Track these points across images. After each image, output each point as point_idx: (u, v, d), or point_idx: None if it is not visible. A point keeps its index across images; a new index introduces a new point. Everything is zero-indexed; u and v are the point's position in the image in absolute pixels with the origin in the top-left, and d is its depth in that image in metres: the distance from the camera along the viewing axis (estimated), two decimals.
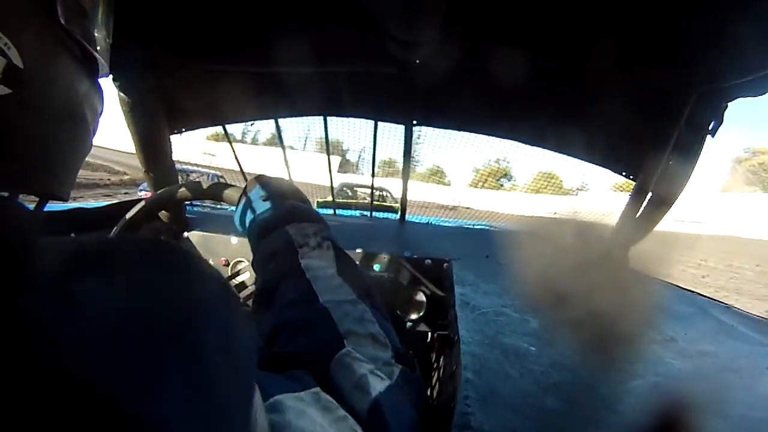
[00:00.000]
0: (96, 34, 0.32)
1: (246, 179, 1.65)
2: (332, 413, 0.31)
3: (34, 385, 0.14)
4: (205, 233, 1.22)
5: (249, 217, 0.60)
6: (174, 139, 1.20)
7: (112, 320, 0.17)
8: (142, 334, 0.18)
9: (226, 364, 0.21)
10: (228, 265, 1.19)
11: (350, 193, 5.95)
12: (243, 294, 1.05)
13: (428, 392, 0.80)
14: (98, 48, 0.32)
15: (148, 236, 0.24)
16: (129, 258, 0.21)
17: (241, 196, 0.64)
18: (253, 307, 0.52)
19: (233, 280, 1.00)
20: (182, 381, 0.18)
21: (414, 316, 1.13)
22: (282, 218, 0.55)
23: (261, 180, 0.64)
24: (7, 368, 0.14)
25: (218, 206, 1.49)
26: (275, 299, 0.48)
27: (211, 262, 1.19)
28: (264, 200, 0.60)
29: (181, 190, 0.76)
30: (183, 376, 0.18)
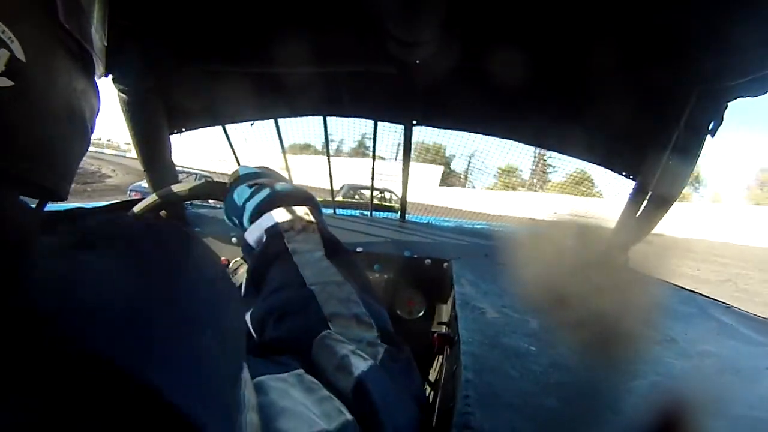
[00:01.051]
0: (93, 34, 0.32)
1: None
2: (315, 393, 0.31)
3: (38, 346, 0.15)
4: (205, 233, 1.22)
5: (235, 207, 0.59)
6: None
7: (115, 289, 0.19)
8: (143, 304, 0.19)
9: (217, 340, 0.22)
10: (228, 264, 1.19)
11: (356, 195, 5.93)
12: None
13: (425, 388, 0.80)
14: (95, 48, 0.33)
15: (151, 218, 0.27)
16: (133, 235, 0.23)
17: (226, 189, 0.63)
18: (243, 292, 0.51)
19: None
20: (176, 350, 0.19)
21: (414, 316, 1.13)
22: (267, 203, 0.55)
23: (242, 170, 0.63)
24: (11, 327, 0.15)
25: (218, 206, 1.49)
26: (263, 286, 0.47)
27: None
28: (248, 187, 0.59)
29: (164, 194, 0.73)
30: (177, 345, 0.19)
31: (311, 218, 0.53)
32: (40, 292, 0.17)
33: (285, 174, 1.53)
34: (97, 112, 0.35)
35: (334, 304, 0.42)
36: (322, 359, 0.36)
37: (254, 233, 0.53)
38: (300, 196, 0.57)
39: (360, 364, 0.36)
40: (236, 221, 0.60)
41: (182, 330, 0.20)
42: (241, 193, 0.59)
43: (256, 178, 0.61)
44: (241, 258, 1.19)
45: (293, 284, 0.45)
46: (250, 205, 0.56)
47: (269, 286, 0.47)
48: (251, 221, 0.55)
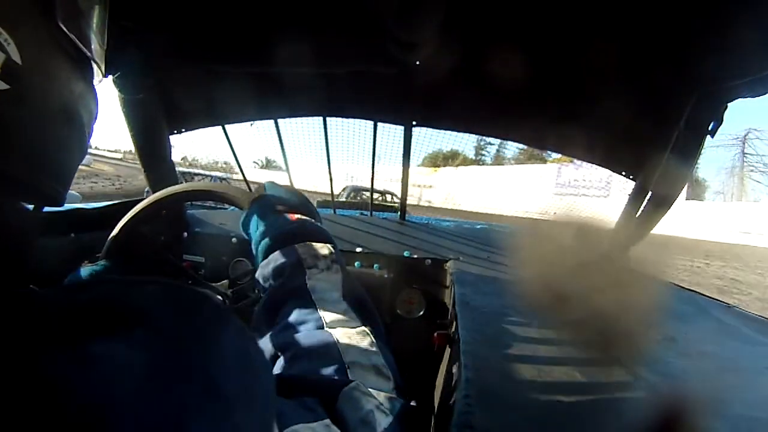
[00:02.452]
0: (92, 39, 0.32)
1: (248, 184, 1.64)
2: None
3: None
4: (204, 233, 1.22)
5: (256, 226, 0.59)
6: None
7: (134, 381, 0.17)
8: (165, 395, 0.18)
9: (249, 414, 0.21)
10: (228, 265, 1.19)
11: (356, 197, 5.92)
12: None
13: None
14: (94, 52, 0.32)
15: (165, 282, 0.24)
16: (147, 313, 0.21)
17: (250, 202, 0.63)
18: (254, 319, 0.51)
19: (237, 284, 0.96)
20: None
21: (414, 316, 1.13)
22: (292, 235, 0.55)
23: (271, 189, 0.63)
24: None
25: (218, 206, 1.49)
26: (278, 317, 0.48)
27: (210, 262, 1.19)
28: (273, 212, 0.59)
29: (186, 189, 0.74)
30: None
31: (335, 258, 0.54)
32: (42, 404, 0.15)
33: (287, 177, 1.53)
34: (96, 116, 0.34)
35: (354, 352, 0.43)
36: (347, 410, 0.36)
37: (275, 262, 0.53)
38: (323, 234, 0.57)
39: (382, 421, 0.37)
40: (253, 238, 0.59)
41: (214, 418, 0.19)
42: (265, 214, 0.59)
43: (283, 201, 0.61)
44: (241, 258, 1.19)
45: (310, 323, 0.45)
46: (274, 232, 0.56)
47: (285, 320, 0.47)
48: (272, 248, 0.54)
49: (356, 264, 1.15)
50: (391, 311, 1.14)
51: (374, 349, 0.44)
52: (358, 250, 1.17)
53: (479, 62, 0.98)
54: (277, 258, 0.53)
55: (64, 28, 0.28)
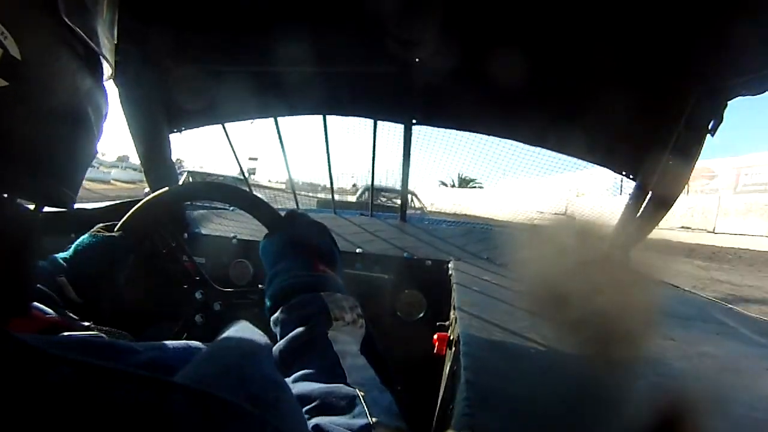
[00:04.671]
0: (100, 33, 0.31)
1: (247, 181, 1.63)
2: None
3: None
4: (205, 233, 1.22)
5: (276, 258, 0.58)
6: None
7: None
8: None
9: None
10: (228, 265, 1.19)
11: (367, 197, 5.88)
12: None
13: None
14: (103, 49, 0.31)
15: (193, 390, 0.23)
16: (175, 428, 0.19)
17: (276, 228, 0.62)
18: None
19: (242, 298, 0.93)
20: None
21: (414, 318, 1.13)
22: (317, 283, 0.54)
23: (303, 223, 0.62)
24: None
25: (219, 206, 1.49)
26: (297, 364, 0.47)
27: (211, 263, 1.19)
28: (299, 252, 0.58)
29: (221, 189, 0.70)
30: None
31: (360, 313, 0.53)
32: None
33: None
34: (105, 115, 0.33)
35: (378, 411, 0.42)
36: None
37: (300, 309, 0.52)
38: (343, 288, 0.56)
39: None
40: (270, 269, 0.58)
41: None
42: (290, 252, 0.58)
43: (312, 245, 0.59)
44: (241, 259, 1.19)
45: (332, 376, 0.44)
46: (298, 277, 0.55)
47: (306, 367, 0.46)
48: (293, 292, 0.53)
49: (356, 265, 1.15)
50: (391, 313, 1.14)
51: (395, 410, 0.44)
52: (358, 251, 1.16)
53: (479, 61, 0.98)
54: (302, 303, 0.52)
55: (69, 22, 0.26)
